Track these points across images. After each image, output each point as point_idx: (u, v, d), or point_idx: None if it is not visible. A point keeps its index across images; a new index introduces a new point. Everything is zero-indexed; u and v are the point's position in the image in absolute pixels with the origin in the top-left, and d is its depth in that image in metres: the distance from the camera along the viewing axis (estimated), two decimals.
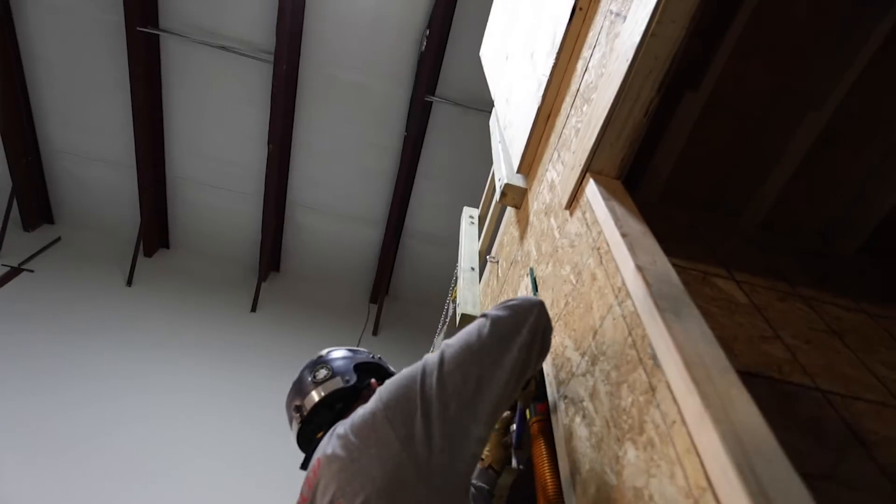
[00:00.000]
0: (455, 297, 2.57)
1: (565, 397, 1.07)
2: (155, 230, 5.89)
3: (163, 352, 4.88)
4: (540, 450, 1.18)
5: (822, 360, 1.20)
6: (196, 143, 5.45)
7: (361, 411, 0.88)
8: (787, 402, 1.03)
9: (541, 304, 0.96)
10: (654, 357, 0.77)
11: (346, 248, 6.18)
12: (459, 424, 0.83)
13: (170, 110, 5.24)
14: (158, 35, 4.70)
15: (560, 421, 1.07)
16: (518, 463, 1.32)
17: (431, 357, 0.89)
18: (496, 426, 1.35)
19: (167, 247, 6.16)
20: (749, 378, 1.06)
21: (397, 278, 6.36)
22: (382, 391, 0.88)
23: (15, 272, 5.12)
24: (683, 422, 0.67)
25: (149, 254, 5.91)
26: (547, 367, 1.24)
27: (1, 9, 4.54)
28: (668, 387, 0.72)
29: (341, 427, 0.89)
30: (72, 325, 4.84)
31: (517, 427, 1.33)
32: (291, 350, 5.05)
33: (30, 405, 4.09)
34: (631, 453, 0.77)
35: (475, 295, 2.23)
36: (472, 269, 2.37)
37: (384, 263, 6.08)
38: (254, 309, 5.76)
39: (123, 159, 5.47)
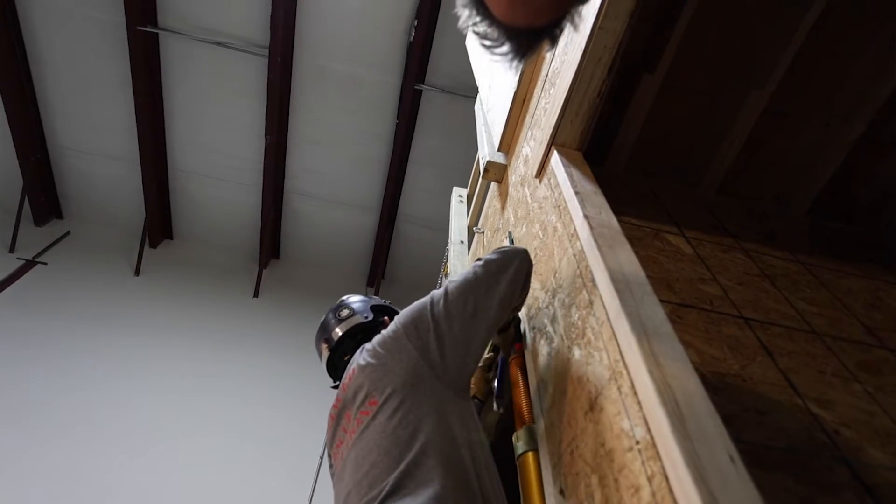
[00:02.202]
0: (447, 271, 2.81)
1: (534, 328, 1.31)
2: (159, 222, 6.10)
3: (171, 336, 5.12)
4: (517, 379, 1.41)
5: (750, 297, 1.44)
6: (196, 137, 5.65)
7: (384, 332, 1.15)
8: (713, 324, 1.27)
9: (525, 251, 1.23)
10: (593, 280, 1.01)
11: (342, 234, 6.40)
12: (462, 338, 1.09)
13: (170, 106, 5.43)
14: (158, 33, 4.88)
15: (530, 347, 1.31)
16: (498, 407, 1.55)
17: (437, 291, 1.16)
18: (481, 363, 1.59)
19: (171, 238, 6.37)
20: (683, 308, 1.30)
21: (392, 262, 6.59)
22: (399, 318, 1.15)
23: (30, 265, 5.34)
24: (608, 320, 0.90)
25: (154, 245, 6.12)
26: (522, 311, 1.48)
27: (7, 13, 4.72)
28: (601, 299, 0.95)
29: (369, 345, 1.16)
30: (85, 314, 5.06)
31: (499, 377, 1.55)
32: (293, 333, 5.31)
33: (47, 388, 4.32)
34: (577, 353, 1.01)
35: (464, 264, 2.46)
36: (462, 242, 2.60)
37: (379, 248, 6.31)
38: (256, 295, 5.99)
39: (127, 154, 5.67)
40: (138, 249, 5.82)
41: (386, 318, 1.44)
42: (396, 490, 0.91)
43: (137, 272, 5.75)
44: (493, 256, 1.18)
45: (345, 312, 1.45)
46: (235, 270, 6.20)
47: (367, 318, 1.43)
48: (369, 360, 1.11)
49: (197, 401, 4.58)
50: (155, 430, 4.24)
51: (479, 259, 1.20)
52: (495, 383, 1.59)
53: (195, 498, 3.83)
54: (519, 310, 1.32)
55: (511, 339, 1.48)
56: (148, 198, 5.79)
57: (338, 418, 1.15)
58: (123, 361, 4.74)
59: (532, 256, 1.46)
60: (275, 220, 6.17)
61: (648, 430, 0.68)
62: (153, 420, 4.31)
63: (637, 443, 0.70)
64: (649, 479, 0.65)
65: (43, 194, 5.89)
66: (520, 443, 1.24)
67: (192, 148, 5.75)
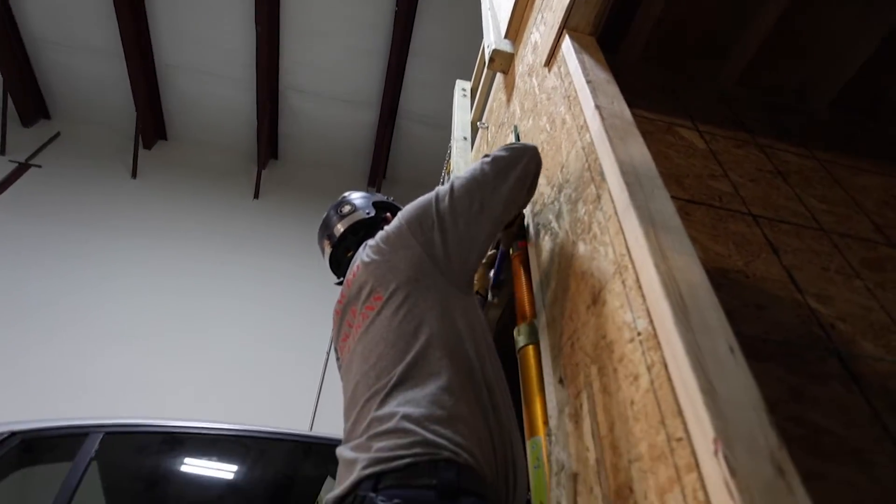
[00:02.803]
0: (450, 168, 2.75)
1: (538, 224, 1.30)
2: (151, 121, 5.91)
3: (171, 239, 5.14)
4: (519, 275, 1.42)
5: (760, 194, 1.41)
6: (182, 28, 5.33)
7: (388, 228, 1.14)
8: (721, 221, 1.25)
9: (535, 149, 1.18)
10: (601, 174, 0.98)
11: (342, 132, 6.23)
12: (467, 235, 1.08)
13: None
14: None
15: (534, 243, 1.30)
16: (493, 298, 1.57)
17: (443, 187, 1.13)
18: (484, 261, 1.59)
19: (165, 138, 6.22)
20: (691, 205, 1.28)
21: (394, 161, 6.47)
22: (403, 214, 1.14)
23: (23, 168, 5.24)
24: (616, 214, 0.88)
25: (148, 146, 5.97)
26: (527, 208, 1.45)
27: None
28: (609, 192, 0.92)
29: (372, 241, 1.16)
30: (83, 217, 5.04)
31: (496, 269, 1.55)
32: (294, 233, 5.33)
33: (46, 290, 4.40)
34: (581, 248, 1.00)
35: (467, 161, 2.41)
36: (465, 138, 2.53)
37: (380, 146, 6.17)
38: (256, 196, 5.95)
39: (110, 47, 5.36)
40: (133, 151, 5.68)
41: (388, 214, 1.42)
42: (403, 380, 0.94)
43: (134, 175, 5.66)
44: (502, 153, 1.15)
45: (346, 209, 1.43)
46: (234, 171, 6.11)
47: (368, 213, 1.41)
48: (373, 256, 1.11)
49: (198, 302, 4.68)
50: (156, 329, 4.35)
51: (486, 155, 1.16)
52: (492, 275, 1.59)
53: (203, 393, 4.00)
54: (524, 207, 1.30)
55: (513, 235, 1.46)
56: (137, 95, 5.57)
57: (343, 313, 1.17)
58: (123, 264, 4.78)
59: (539, 151, 1.42)
60: (271, 119, 5.98)
61: (651, 321, 0.68)
62: (154, 320, 4.41)
63: (639, 334, 0.70)
64: (648, 368, 0.65)
65: (26, 92, 5.63)
66: (521, 337, 1.26)
67: (178, 40, 5.44)
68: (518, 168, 1.13)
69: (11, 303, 4.22)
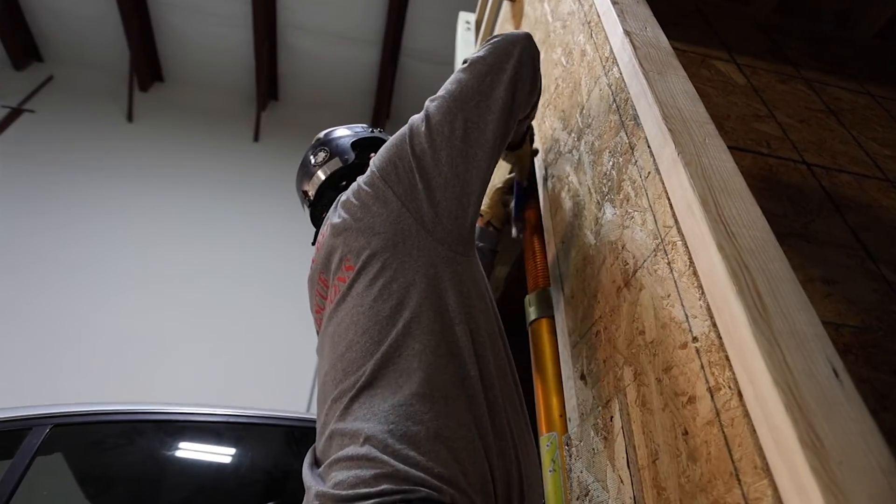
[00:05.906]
0: None
1: (552, 176, 1.10)
2: (146, 62, 5.61)
3: (170, 184, 4.95)
4: (530, 236, 1.23)
5: (813, 137, 1.20)
6: None
7: (360, 178, 0.90)
8: (772, 173, 1.05)
9: (526, 36, 0.89)
10: (635, 117, 0.77)
11: (343, 71, 5.91)
12: (454, 174, 0.81)
13: None
14: None
15: (547, 198, 1.11)
16: (518, 233, 1.29)
17: (417, 116, 0.87)
18: (500, 185, 1.33)
19: (161, 80, 5.93)
20: (736, 152, 1.07)
21: (397, 101, 6.17)
22: (375, 159, 0.88)
23: (16, 113, 5.01)
24: (657, 170, 0.69)
25: (144, 88, 5.70)
26: (539, 156, 1.25)
27: None
28: (647, 142, 0.73)
29: (343, 195, 0.91)
30: (79, 163, 4.85)
31: (516, 199, 1.30)
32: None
33: (45, 238, 4.26)
34: (608, 212, 0.81)
35: None
36: None
37: (383, 86, 5.87)
38: (256, 139, 5.72)
39: None
40: (128, 93, 5.41)
41: (373, 154, 1.11)
42: (372, 382, 0.74)
43: (130, 118, 5.42)
44: (481, 53, 0.86)
45: (321, 156, 1.17)
46: (233, 113, 5.85)
47: (347, 160, 1.15)
48: (343, 215, 0.87)
49: (199, 247, 4.55)
50: (157, 276, 4.25)
51: (464, 61, 0.88)
52: (513, 206, 1.33)
53: (201, 339, 3.94)
54: (531, 116, 1.01)
55: (528, 156, 1.19)
56: (130, 34, 5.25)
57: (313, 282, 0.97)
58: (122, 210, 4.62)
59: (552, 90, 1.20)
60: (270, 58, 5.65)
61: (713, 325, 0.51)
62: (154, 266, 4.31)
63: (695, 339, 0.53)
64: (711, 392, 0.48)
65: (16, 34, 5.33)
66: (532, 308, 1.09)
67: None
68: (507, 67, 0.84)
69: (6, 252, 4.12)
